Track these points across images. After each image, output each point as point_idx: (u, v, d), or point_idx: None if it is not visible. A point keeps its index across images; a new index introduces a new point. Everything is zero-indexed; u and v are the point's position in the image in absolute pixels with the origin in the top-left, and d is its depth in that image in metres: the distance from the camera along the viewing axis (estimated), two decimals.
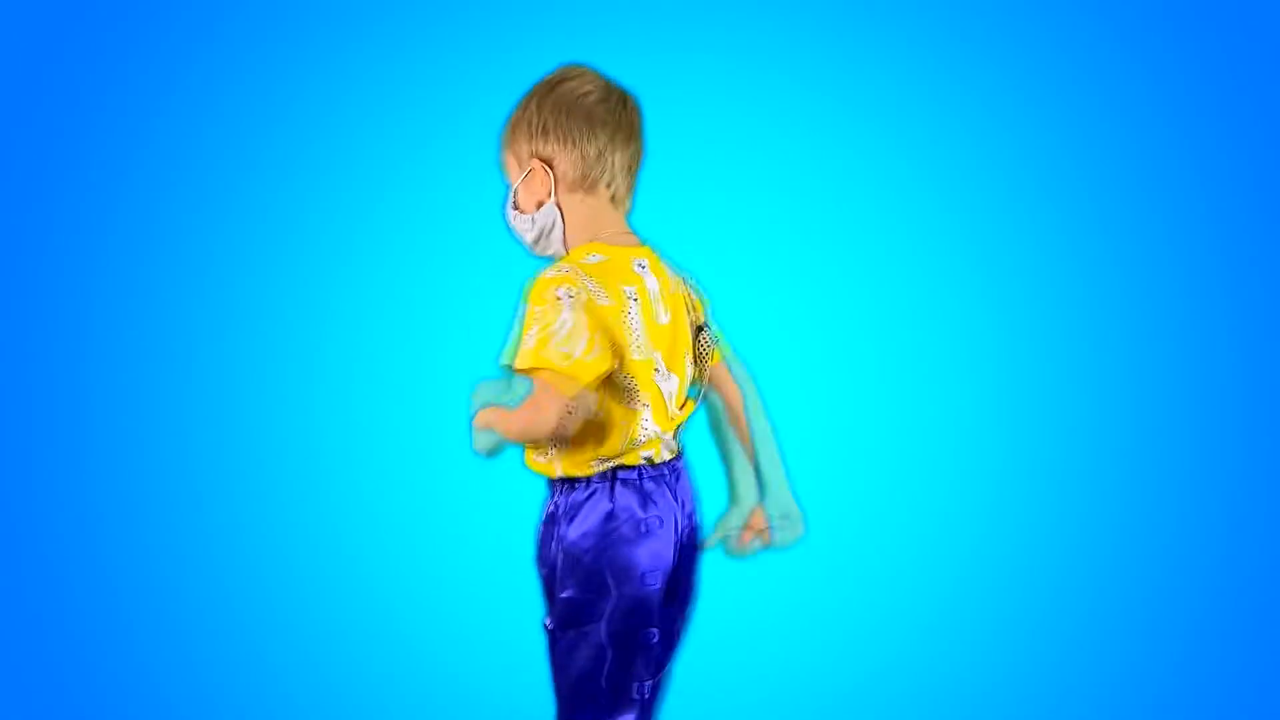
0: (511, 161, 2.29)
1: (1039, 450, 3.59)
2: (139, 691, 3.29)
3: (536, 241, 2.29)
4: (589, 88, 2.25)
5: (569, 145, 2.24)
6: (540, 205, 2.27)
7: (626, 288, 2.22)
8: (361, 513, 3.58)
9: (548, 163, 2.24)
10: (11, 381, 3.59)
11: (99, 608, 3.47)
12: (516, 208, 2.28)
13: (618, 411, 2.23)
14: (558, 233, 2.27)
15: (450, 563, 3.48)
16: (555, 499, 2.29)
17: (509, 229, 2.30)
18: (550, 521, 2.29)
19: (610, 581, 2.23)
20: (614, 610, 2.24)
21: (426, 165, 3.56)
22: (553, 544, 2.28)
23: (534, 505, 3.47)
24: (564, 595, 2.26)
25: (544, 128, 2.24)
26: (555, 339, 2.13)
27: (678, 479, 2.31)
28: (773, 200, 3.59)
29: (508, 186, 2.29)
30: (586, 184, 2.24)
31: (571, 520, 2.26)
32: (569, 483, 2.27)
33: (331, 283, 3.63)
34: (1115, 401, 3.61)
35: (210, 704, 3.26)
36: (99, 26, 3.59)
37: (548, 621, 2.29)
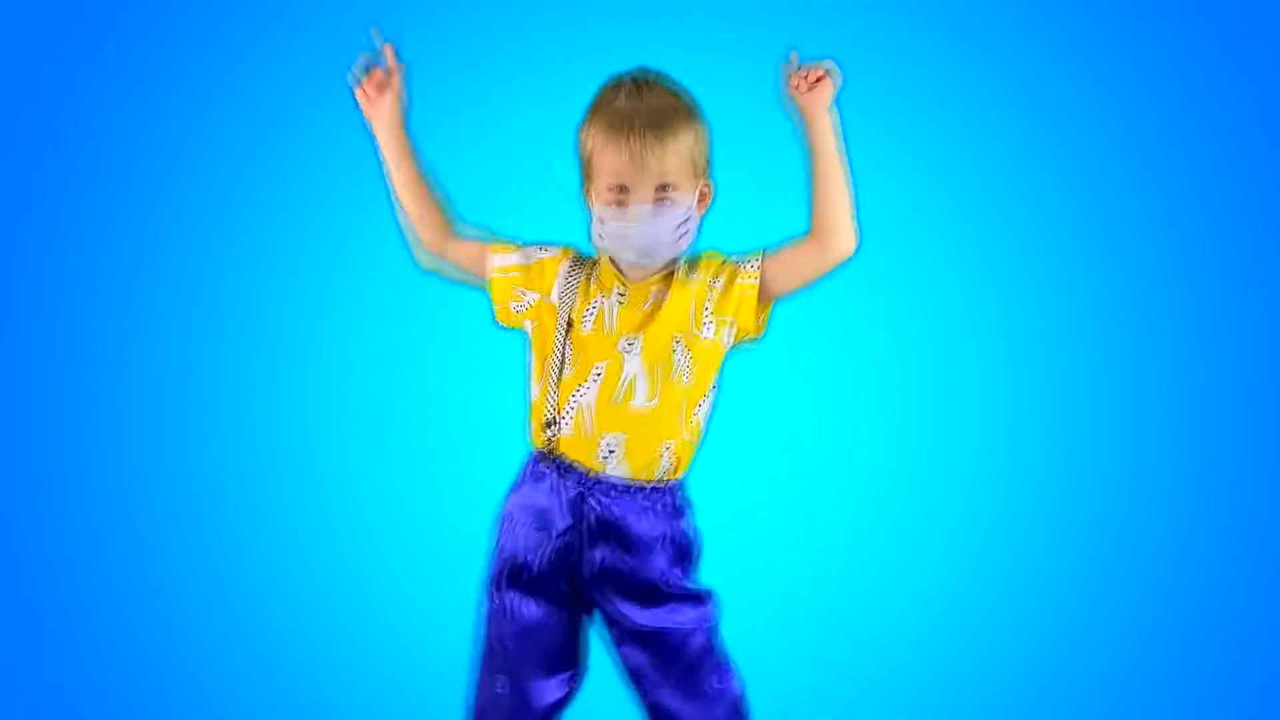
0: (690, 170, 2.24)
1: (1038, 451, 3.61)
2: (139, 691, 3.31)
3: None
4: None
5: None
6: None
7: None
8: (361, 513, 3.60)
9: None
10: (12, 381, 3.61)
11: (97, 605, 3.49)
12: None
13: None
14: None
15: (450, 562, 3.49)
16: (681, 494, 2.27)
17: (671, 225, 2.25)
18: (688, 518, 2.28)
19: None
20: None
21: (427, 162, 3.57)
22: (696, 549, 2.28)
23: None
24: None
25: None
26: None
27: None
28: (769, 198, 3.61)
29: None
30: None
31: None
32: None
33: (330, 281, 3.64)
34: (1115, 401, 3.62)
35: (211, 704, 3.27)
36: (97, 25, 3.61)
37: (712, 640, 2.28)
